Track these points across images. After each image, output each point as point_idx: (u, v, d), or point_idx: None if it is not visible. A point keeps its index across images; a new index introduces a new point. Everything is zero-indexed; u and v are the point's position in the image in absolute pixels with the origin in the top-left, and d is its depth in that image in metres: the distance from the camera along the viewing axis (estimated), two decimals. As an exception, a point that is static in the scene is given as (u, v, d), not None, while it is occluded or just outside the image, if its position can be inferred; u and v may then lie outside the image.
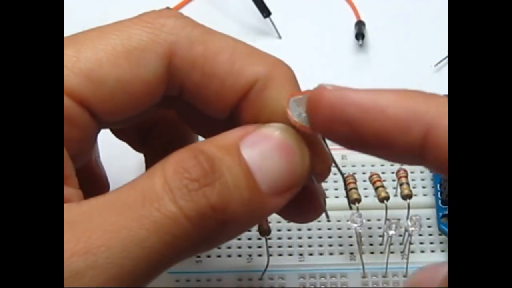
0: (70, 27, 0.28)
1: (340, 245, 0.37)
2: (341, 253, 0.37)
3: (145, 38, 0.26)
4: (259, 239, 0.37)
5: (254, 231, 0.37)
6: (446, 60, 0.49)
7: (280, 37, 0.51)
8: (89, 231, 0.22)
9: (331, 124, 0.24)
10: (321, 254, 0.37)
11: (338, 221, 0.38)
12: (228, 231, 0.24)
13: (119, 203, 0.22)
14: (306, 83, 0.49)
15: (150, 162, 0.33)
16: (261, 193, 0.24)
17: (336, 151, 0.29)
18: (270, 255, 0.36)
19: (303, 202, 0.27)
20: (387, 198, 0.36)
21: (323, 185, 0.39)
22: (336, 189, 0.39)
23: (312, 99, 0.25)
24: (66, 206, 0.23)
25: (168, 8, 0.28)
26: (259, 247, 0.37)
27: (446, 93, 0.25)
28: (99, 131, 0.27)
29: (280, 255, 0.37)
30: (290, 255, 0.37)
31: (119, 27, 0.26)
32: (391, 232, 0.35)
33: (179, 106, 0.29)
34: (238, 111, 0.27)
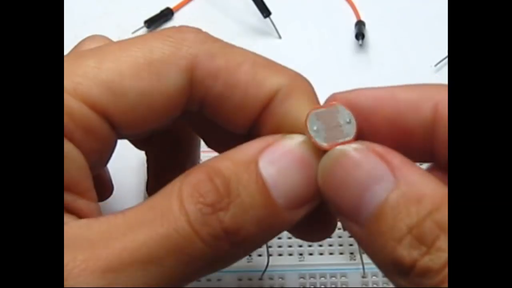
0: (70, 27, 0.28)
1: (340, 245, 0.38)
2: (341, 253, 0.37)
3: (166, 51, 0.26)
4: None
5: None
6: (446, 60, 0.49)
7: (280, 37, 0.51)
8: (109, 250, 0.22)
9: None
10: (321, 254, 0.37)
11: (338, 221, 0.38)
12: (243, 250, 0.24)
13: (138, 222, 0.23)
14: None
15: (151, 161, 0.33)
16: (278, 208, 0.24)
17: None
18: (270, 255, 0.37)
19: (317, 220, 0.27)
20: None
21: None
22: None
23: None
24: (85, 222, 0.23)
25: (186, 26, 0.28)
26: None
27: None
28: (116, 142, 0.27)
29: (280, 255, 0.37)
30: (290, 255, 0.37)
31: (141, 41, 0.26)
32: None
33: (197, 122, 0.29)
34: (258, 124, 0.27)
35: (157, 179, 0.33)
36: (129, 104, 0.25)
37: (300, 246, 0.37)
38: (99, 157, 0.26)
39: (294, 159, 0.24)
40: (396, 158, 0.23)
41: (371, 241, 0.23)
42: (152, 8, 0.52)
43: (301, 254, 0.37)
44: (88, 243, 0.22)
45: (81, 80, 0.24)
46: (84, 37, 0.55)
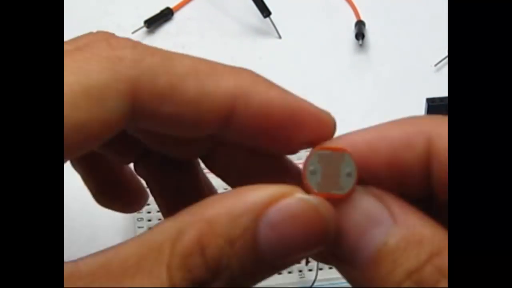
0: (70, 27, 0.28)
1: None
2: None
3: (103, 75, 0.24)
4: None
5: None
6: (446, 60, 0.49)
7: (280, 37, 0.51)
8: None
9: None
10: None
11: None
12: None
13: (125, 280, 0.22)
14: (306, 83, 0.50)
15: (154, 192, 0.31)
16: (266, 270, 0.23)
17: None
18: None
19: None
20: None
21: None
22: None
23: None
24: (68, 274, 0.22)
25: (103, 32, 0.26)
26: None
27: (446, 93, 0.25)
28: None
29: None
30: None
31: (75, 64, 0.24)
32: None
33: (146, 134, 0.28)
34: (231, 125, 0.26)
35: (166, 206, 0.31)
36: (67, 134, 0.23)
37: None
38: None
39: (297, 226, 0.22)
40: (394, 201, 0.22)
41: (368, 286, 0.22)
42: (152, 8, 0.52)
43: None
44: None
45: None
46: (84, 37, 0.54)
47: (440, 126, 0.23)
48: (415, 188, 0.24)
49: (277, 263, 0.22)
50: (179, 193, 0.30)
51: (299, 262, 0.24)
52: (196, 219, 0.22)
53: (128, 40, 0.25)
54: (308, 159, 0.23)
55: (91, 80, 0.24)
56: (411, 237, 0.22)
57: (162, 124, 0.25)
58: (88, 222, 0.34)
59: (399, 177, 0.24)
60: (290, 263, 0.23)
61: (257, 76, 0.26)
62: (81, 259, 0.22)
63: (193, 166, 0.31)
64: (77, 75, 0.24)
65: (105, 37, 0.25)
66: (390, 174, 0.24)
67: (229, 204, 0.22)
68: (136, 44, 0.25)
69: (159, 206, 0.31)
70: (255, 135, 0.25)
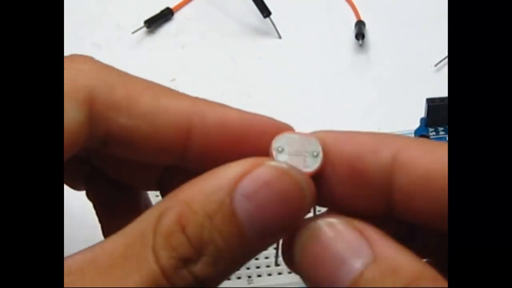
0: (70, 27, 0.28)
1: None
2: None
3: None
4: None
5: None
6: (446, 60, 0.49)
7: (280, 37, 0.51)
8: None
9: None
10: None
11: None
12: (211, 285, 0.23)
13: (114, 272, 0.22)
14: (306, 83, 0.50)
15: (96, 205, 0.32)
16: (252, 244, 0.23)
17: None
18: None
19: None
20: None
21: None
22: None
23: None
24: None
25: (75, 55, 0.26)
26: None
27: (446, 93, 0.24)
28: None
29: None
30: None
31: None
32: None
33: (105, 160, 0.28)
34: (191, 148, 0.26)
35: (110, 220, 0.31)
36: None
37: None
38: None
39: (272, 192, 0.23)
40: (374, 232, 0.23)
41: None
42: (152, 8, 0.52)
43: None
44: None
45: None
46: (84, 37, 0.55)
47: (410, 143, 0.23)
48: (372, 200, 0.24)
49: (260, 235, 0.23)
50: (122, 212, 0.30)
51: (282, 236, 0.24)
52: (173, 202, 0.23)
53: (88, 56, 0.26)
54: (275, 139, 0.24)
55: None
56: (388, 268, 0.22)
57: (118, 139, 0.25)
58: (88, 222, 0.34)
59: (360, 182, 0.24)
60: (274, 235, 0.23)
61: (212, 101, 0.26)
62: (69, 256, 0.22)
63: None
64: None
65: (71, 56, 0.26)
66: (352, 176, 0.24)
67: (204, 183, 0.23)
68: (96, 61, 0.26)
69: (101, 223, 0.31)
70: (214, 157, 0.25)
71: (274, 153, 0.24)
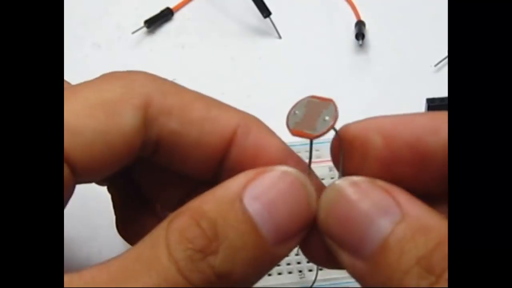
0: (70, 27, 0.28)
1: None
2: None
3: (119, 91, 0.26)
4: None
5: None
6: (446, 60, 0.49)
7: (280, 37, 0.51)
8: None
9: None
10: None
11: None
12: None
13: (125, 276, 0.22)
14: (306, 83, 0.50)
15: (115, 197, 0.32)
16: (268, 245, 0.23)
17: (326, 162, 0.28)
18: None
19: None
20: None
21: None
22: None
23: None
24: (67, 279, 0.22)
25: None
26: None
27: (446, 93, 0.24)
28: (75, 186, 0.26)
29: None
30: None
31: (91, 83, 0.26)
32: None
33: (149, 170, 0.29)
34: (225, 166, 0.27)
35: (125, 216, 0.32)
36: (86, 143, 0.24)
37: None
38: None
39: (279, 192, 0.24)
40: (401, 193, 0.23)
41: (375, 275, 0.22)
42: (152, 8, 0.52)
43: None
44: None
45: None
46: (84, 37, 0.55)
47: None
48: (437, 179, 0.24)
49: (275, 234, 0.23)
50: (139, 211, 0.31)
51: (297, 243, 0.24)
52: (184, 208, 0.23)
53: (143, 71, 0.27)
54: (297, 103, 0.25)
55: (106, 94, 0.25)
56: (418, 227, 0.22)
57: (168, 145, 0.26)
58: (88, 222, 0.34)
59: (423, 164, 0.24)
60: (289, 235, 0.24)
61: (257, 119, 0.28)
62: (82, 269, 0.22)
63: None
64: (94, 91, 0.25)
65: (127, 71, 0.27)
66: (414, 159, 0.24)
67: (214, 192, 0.24)
68: (150, 73, 0.27)
69: (116, 215, 0.32)
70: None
71: (289, 115, 0.24)
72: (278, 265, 0.37)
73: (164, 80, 0.27)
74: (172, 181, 0.29)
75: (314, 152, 0.29)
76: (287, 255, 0.24)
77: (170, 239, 0.22)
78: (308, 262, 0.37)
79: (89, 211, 0.32)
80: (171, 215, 0.23)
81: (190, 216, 0.23)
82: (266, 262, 0.23)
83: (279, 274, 0.37)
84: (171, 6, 0.53)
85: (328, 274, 0.37)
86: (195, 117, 0.26)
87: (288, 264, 0.37)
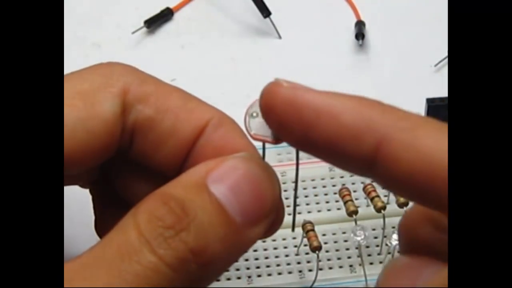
0: (70, 27, 0.28)
1: (339, 259, 0.37)
2: (341, 266, 0.37)
3: (97, 81, 0.27)
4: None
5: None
6: (446, 60, 0.49)
7: (280, 37, 0.51)
8: None
9: (284, 124, 0.23)
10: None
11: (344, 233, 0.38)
12: (211, 272, 0.23)
13: (96, 262, 0.22)
14: (306, 83, 0.49)
15: (96, 198, 0.32)
16: (237, 226, 0.23)
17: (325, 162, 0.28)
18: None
19: None
20: (384, 208, 0.36)
21: (317, 198, 0.39)
22: (327, 202, 0.39)
23: (265, 95, 0.24)
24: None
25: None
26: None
27: (446, 93, 0.24)
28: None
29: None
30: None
31: (71, 76, 0.27)
32: (395, 242, 0.35)
33: (124, 168, 0.29)
34: (191, 158, 0.27)
35: (103, 218, 0.32)
36: (67, 131, 0.25)
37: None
38: None
39: (241, 175, 0.24)
40: None
41: None
42: (152, 8, 0.52)
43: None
44: None
45: None
46: (84, 37, 0.55)
47: (395, 133, 0.22)
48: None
49: (243, 216, 0.24)
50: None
51: (268, 218, 0.25)
52: (150, 195, 0.24)
53: (123, 63, 0.29)
54: (253, 103, 0.25)
55: (85, 84, 0.27)
56: None
57: (142, 132, 0.27)
58: (88, 222, 0.34)
59: (338, 163, 0.24)
60: (257, 217, 0.24)
61: (234, 121, 0.28)
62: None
63: None
64: (72, 82, 0.26)
65: (107, 62, 0.29)
66: (330, 154, 0.23)
67: (179, 179, 0.24)
68: (129, 65, 0.28)
69: (95, 216, 0.32)
70: None
71: (247, 118, 0.25)
72: (278, 265, 0.37)
73: (143, 72, 0.28)
74: (145, 178, 0.29)
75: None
76: (258, 239, 0.25)
77: (139, 220, 0.22)
78: (308, 262, 0.37)
79: (89, 211, 0.32)
80: (138, 203, 0.23)
81: (158, 198, 0.23)
82: (237, 244, 0.24)
83: (279, 274, 0.37)
84: (171, 6, 0.53)
85: (328, 274, 0.37)
86: (171, 106, 0.27)
87: (288, 264, 0.37)
